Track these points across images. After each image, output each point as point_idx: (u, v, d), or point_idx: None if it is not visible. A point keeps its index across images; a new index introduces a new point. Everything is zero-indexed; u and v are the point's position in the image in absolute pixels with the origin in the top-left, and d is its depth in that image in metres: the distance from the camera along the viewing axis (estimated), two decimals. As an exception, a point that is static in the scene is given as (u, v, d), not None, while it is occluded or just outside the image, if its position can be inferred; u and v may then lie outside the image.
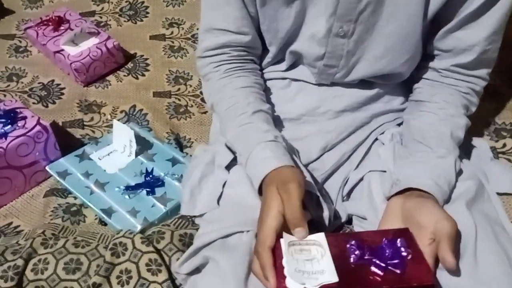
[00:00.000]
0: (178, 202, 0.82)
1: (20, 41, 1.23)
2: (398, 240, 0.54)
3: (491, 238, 0.60)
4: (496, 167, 0.77)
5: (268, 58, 0.78)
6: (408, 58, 0.71)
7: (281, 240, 0.55)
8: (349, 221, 0.76)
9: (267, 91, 0.80)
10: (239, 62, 0.75)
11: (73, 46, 1.10)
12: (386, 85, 0.77)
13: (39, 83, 1.12)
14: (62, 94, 1.09)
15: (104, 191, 0.86)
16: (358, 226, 0.74)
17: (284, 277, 0.51)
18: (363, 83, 0.76)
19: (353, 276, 0.51)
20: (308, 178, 0.70)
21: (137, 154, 0.92)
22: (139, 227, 0.79)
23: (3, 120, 0.86)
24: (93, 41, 1.11)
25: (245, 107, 0.70)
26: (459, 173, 0.66)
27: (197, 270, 0.64)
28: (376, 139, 0.78)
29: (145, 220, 0.80)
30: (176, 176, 0.88)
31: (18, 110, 0.89)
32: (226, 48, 0.74)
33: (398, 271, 0.52)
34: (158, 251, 0.71)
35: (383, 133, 0.78)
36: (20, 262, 0.71)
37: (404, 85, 0.80)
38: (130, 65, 1.16)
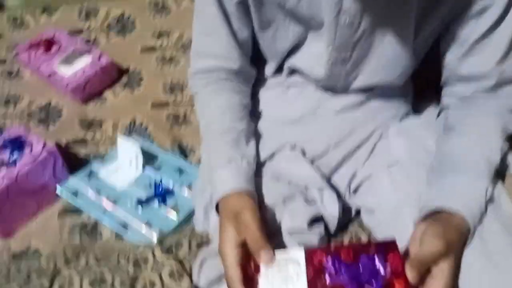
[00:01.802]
0: (190, 211, 0.86)
1: (12, 65, 1.24)
2: (376, 257, 0.54)
3: (495, 214, 0.64)
4: None
5: (268, 71, 0.81)
6: (402, 72, 0.74)
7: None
8: (357, 213, 0.81)
9: (266, 98, 0.83)
10: (227, 83, 0.77)
11: (67, 66, 1.12)
12: (383, 87, 0.80)
13: (36, 106, 1.13)
14: (61, 114, 1.11)
15: (117, 207, 0.88)
16: (366, 219, 0.78)
17: None
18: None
19: None
20: (318, 176, 0.74)
21: (143, 167, 0.95)
22: (155, 239, 0.82)
23: (10, 148, 0.88)
24: (86, 59, 1.13)
25: (215, 127, 0.72)
26: None
27: (218, 280, 0.67)
28: (381, 136, 0.80)
29: (161, 232, 0.83)
30: (185, 185, 0.91)
31: (23, 137, 0.91)
32: (215, 71, 0.77)
33: None
34: (178, 260, 0.74)
35: (387, 129, 0.80)
36: (46, 283, 0.74)
37: (402, 85, 0.83)
38: (124, 79, 1.18)
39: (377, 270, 0.54)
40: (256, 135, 0.79)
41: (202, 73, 0.78)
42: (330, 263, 0.56)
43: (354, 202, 0.79)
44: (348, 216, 0.79)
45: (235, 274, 0.57)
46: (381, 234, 0.73)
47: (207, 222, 0.74)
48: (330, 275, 0.55)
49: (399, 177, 0.74)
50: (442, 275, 0.55)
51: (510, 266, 0.59)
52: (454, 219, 0.60)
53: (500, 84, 0.69)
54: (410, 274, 0.52)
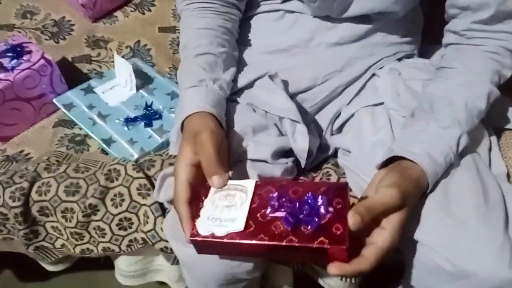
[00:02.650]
0: (173, 134, 0.86)
1: (34, -22, 1.25)
2: (320, 196, 0.52)
3: (470, 169, 0.61)
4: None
5: None
6: None
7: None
8: (336, 153, 0.78)
9: (258, 26, 0.80)
10: (211, 2, 0.74)
11: (80, -19, 1.11)
12: (384, 20, 0.74)
13: (51, 19, 1.14)
14: (72, 30, 1.12)
15: (106, 122, 0.90)
16: (341, 159, 0.75)
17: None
18: (361, 17, 0.73)
19: (259, 227, 0.52)
20: (294, 108, 0.71)
21: (138, 88, 0.95)
22: (136, 156, 0.83)
23: (10, 54, 0.90)
24: (99, -24, 1.12)
25: (191, 50, 0.70)
26: None
27: None
28: (373, 74, 0.76)
29: (142, 150, 0.84)
30: (174, 109, 0.90)
31: (24, 45, 0.93)
32: None
33: (308, 229, 0.50)
34: (148, 177, 0.75)
35: (381, 68, 0.76)
36: (25, 184, 0.78)
37: (406, 20, 0.76)
38: (137, 0, 1.17)
39: (318, 210, 0.52)
40: (241, 63, 0.77)
41: None
42: (276, 196, 0.55)
43: (333, 141, 0.76)
44: (323, 155, 0.76)
45: (182, 191, 0.57)
46: (351, 176, 0.70)
47: (179, 145, 0.74)
48: (272, 207, 0.54)
49: (380, 118, 0.70)
50: (389, 226, 0.52)
51: (468, 223, 0.56)
52: (415, 169, 0.57)
53: (498, 17, 0.63)
54: (351, 219, 0.50)
